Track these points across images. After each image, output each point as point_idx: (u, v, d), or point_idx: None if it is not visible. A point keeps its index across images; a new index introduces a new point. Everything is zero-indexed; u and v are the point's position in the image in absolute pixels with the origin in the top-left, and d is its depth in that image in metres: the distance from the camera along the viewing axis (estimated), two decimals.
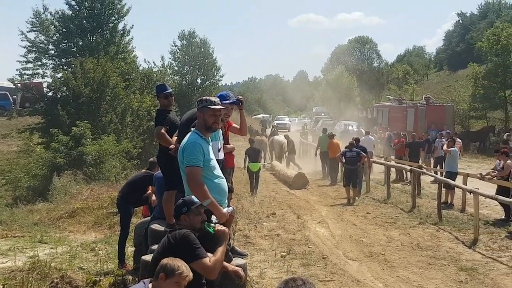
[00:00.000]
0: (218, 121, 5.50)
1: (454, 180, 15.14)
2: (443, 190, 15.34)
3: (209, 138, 5.51)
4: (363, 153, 17.70)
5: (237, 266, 5.39)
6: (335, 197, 17.97)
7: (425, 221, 13.41)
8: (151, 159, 9.80)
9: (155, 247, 6.40)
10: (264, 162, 25.72)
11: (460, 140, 21.59)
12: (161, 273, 3.95)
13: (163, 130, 7.04)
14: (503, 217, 13.59)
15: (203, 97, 5.52)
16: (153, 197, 9.11)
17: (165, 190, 7.05)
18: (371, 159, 19.96)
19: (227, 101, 6.54)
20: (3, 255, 10.20)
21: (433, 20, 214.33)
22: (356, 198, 17.16)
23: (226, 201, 5.58)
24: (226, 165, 6.92)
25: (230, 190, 6.21)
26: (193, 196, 4.93)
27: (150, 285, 4.07)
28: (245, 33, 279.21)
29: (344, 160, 17.51)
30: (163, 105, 7.55)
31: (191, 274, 4.01)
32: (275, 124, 45.23)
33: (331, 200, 17.54)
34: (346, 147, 17.98)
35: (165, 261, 4.08)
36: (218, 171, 5.46)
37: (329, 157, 21.76)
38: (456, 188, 14.87)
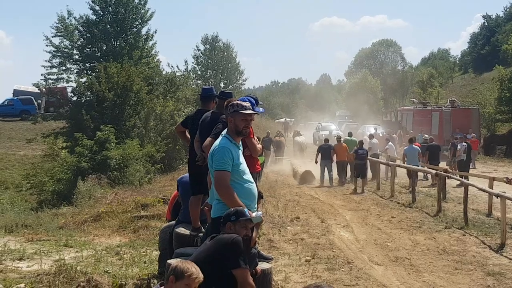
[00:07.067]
0: (249, 126, 5.49)
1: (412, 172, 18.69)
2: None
3: (239, 143, 5.50)
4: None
5: (262, 270, 5.37)
6: (359, 201, 17.86)
7: (451, 225, 13.24)
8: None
9: (180, 250, 6.42)
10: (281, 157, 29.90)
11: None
12: (171, 275, 3.94)
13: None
14: None
15: (234, 102, 5.49)
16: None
17: (192, 195, 7.05)
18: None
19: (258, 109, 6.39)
20: (29, 259, 10.26)
21: (458, 23, 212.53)
22: (365, 188, 20.22)
23: (256, 206, 5.54)
24: (252, 170, 6.85)
25: (260, 196, 6.18)
26: (246, 209, 4.95)
27: None
28: (267, 37, 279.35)
29: (356, 157, 20.75)
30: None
31: (201, 276, 3.97)
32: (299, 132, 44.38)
33: (355, 204, 17.42)
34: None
35: (175, 263, 4.08)
36: (248, 176, 5.44)
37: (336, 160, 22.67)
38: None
